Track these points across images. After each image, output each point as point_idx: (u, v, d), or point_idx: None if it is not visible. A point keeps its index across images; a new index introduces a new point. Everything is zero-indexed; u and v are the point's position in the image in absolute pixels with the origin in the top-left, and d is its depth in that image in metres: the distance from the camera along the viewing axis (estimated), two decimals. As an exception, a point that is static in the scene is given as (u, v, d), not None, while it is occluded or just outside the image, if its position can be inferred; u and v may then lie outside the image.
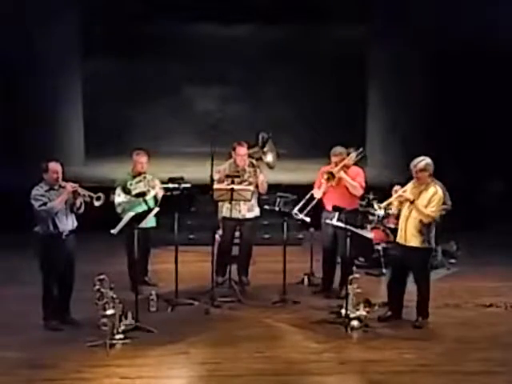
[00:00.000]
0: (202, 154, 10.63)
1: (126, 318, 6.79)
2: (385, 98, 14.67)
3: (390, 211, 7.54)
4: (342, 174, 7.91)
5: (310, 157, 13.31)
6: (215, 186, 8.06)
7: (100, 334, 6.43)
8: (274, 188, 8.50)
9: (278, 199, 8.16)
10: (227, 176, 8.08)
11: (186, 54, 15.94)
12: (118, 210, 8.00)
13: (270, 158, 8.58)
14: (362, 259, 9.25)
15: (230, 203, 7.92)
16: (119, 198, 8.03)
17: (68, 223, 6.94)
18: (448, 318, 7.37)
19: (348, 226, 7.34)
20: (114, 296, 6.60)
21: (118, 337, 6.55)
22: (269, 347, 6.57)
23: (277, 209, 8.17)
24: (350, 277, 7.18)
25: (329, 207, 7.91)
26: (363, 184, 8.04)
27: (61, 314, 7.01)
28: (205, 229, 9.13)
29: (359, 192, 8.03)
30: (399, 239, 7.15)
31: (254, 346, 6.57)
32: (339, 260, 8.14)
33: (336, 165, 7.96)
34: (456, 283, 8.70)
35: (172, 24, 15.65)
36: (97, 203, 6.90)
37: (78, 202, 6.94)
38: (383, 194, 9.33)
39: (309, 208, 7.98)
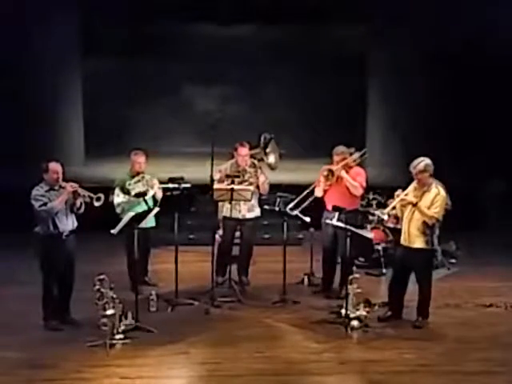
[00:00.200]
0: (202, 154, 10.61)
1: (126, 317, 6.79)
2: (385, 97, 14.67)
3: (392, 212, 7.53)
4: (343, 173, 7.91)
5: (310, 157, 13.32)
6: (215, 185, 8.06)
7: (100, 334, 6.43)
8: (274, 188, 8.50)
9: (278, 199, 8.16)
10: (227, 176, 8.07)
11: (185, 54, 15.93)
12: (118, 210, 8.01)
13: (272, 159, 8.57)
14: (362, 259, 9.26)
15: (230, 203, 7.93)
16: (118, 198, 8.04)
17: (68, 223, 6.94)
18: (448, 318, 7.37)
19: (348, 226, 7.34)
20: (114, 296, 6.60)
21: (117, 337, 6.56)
22: (269, 347, 6.57)
23: (277, 209, 8.17)
24: (350, 277, 7.18)
25: (329, 207, 7.91)
26: (364, 184, 8.04)
27: (61, 314, 7.01)
28: (205, 229, 9.13)
29: (359, 192, 8.02)
30: (403, 241, 7.13)
31: (254, 346, 6.57)
32: (339, 260, 8.14)
33: (337, 164, 7.96)
34: (456, 283, 8.71)
35: (172, 24, 15.64)
36: (97, 203, 6.90)
37: (78, 203, 6.94)
38: (383, 193, 9.43)
39: (304, 205, 7.98)
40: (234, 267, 8.41)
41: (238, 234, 8.50)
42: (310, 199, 8.03)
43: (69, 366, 6.08)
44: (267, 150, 8.57)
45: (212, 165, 8.35)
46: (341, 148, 8.07)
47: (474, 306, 7.81)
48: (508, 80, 11.73)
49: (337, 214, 7.63)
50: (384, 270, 9.00)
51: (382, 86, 14.73)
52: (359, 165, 8.18)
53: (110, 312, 6.51)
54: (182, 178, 8.25)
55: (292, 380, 5.97)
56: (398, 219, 7.99)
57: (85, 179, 9.82)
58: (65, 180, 6.94)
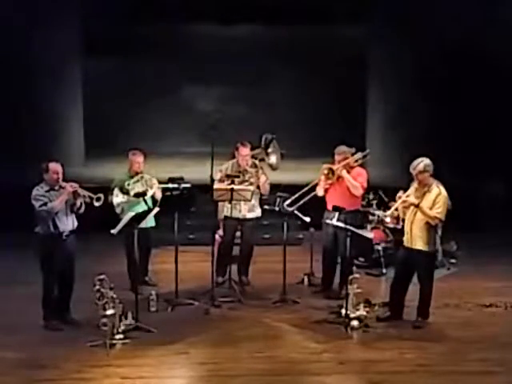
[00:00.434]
0: (202, 154, 10.62)
1: (126, 317, 6.79)
2: (385, 97, 14.67)
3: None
4: (344, 173, 7.91)
5: (309, 157, 13.31)
6: (215, 185, 8.06)
7: (100, 334, 6.43)
8: (273, 188, 8.50)
9: (278, 199, 8.16)
10: (227, 176, 8.07)
11: (186, 54, 15.94)
12: (117, 210, 8.01)
13: (273, 159, 8.57)
14: (362, 259, 9.26)
15: (230, 203, 7.93)
16: (117, 198, 8.04)
17: (68, 223, 6.95)
18: (448, 318, 7.37)
19: (348, 226, 7.34)
20: (114, 296, 6.61)
21: (117, 337, 6.56)
22: (269, 347, 6.57)
23: (277, 209, 8.17)
24: (350, 277, 7.18)
25: (330, 207, 7.91)
26: (364, 185, 8.03)
27: (61, 314, 7.02)
28: (205, 229, 9.12)
29: (359, 192, 8.02)
30: (405, 242, 7.11)
31: (254, 346, 6.57)
32: (339, 260, 8.14)
33: (338, 163, 7.96)
34: (456, 283, 8.71)
35: (172, 24, 15.64)
36: (97, 203, 6.90)
37: (78, 203, 6.94)
38: (384, 194, 9.43)
39: (302, 202, 7.99)
40: (234, 267, 8.41)
41: (238, 234, 8.50)
42: (309, 196, 8.02)
43: (69, 366, 6.08)
44: (269, 151, 8.57)
45: (212, 165, 8.36)
46: (342, 148, 8.07)
47: (474, 305, 7.81)
48: (508, 80, 11.73)
49: (337, 214, 7.63)
50: (384, 270, 9.00)
51: (382, 86, 14.74)
52: (361, 165, 8.18)
53: (109, 312, 6.51)
54: (181, 178, 8.25)
55: (292, 380, 5.97)
56: (397, 219, 7.99)
57: (85, 179, 9.82)
58: (65, 180, 6.95)
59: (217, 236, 8.42)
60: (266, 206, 8.36)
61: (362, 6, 14.29)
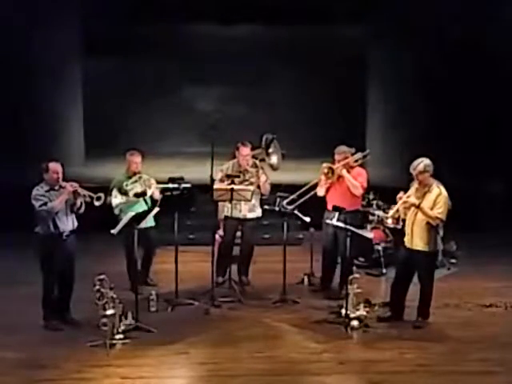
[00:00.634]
0: (202, 154, 10.64)
1: (126, 317, 6.79)
2: (385, 97, 14.67)
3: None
4: (344, 172, 7.91)
5: (309, 157, 13.30)
6: (215, 185, 8.06)
7: (100, 334, 6.43)
8: (273, 188, 8.50)
9: (278, 199, 8.16)
10: (227, 176, 8.07)
11: (186, 54, 15.94)
12: (116, 211, 7.99)
13: (274, 159, 8.57)
14: (362, 259, 9.26)
15: (230, 203, 7.92)
16: (116, 199, 8.02)
17: (68, 223, 6.94)
18: (448, 318, 7.37)
19: (348, 226, 7.34)
20: (114, 296, 6.61)
21: (117, 337, 6.56)
22: (269, 347, 6.57)
23: (277, 209, 8.17)
24: (350, 277, 7.18)
25: (330, 207, 7.90)
26: (365, 185, 8.04)
27: (61, 314, 7.02)
28: (205, 229, 9.12)
29: (359, 192, 8.02)
30: (406, 243, 7.11)
31: (254, 346, 6.57)
32: (339, 260, 8.14)
33: (338, 163, 7.96)
34: (456, 283, 8.70)
35: (172, 24, 15.63)
36: (97, 203, 6.90)
37: (78, 202, 6.94)
38: (384, 193, 9.43)
39: (301, 201, 7.98)
40: (234, 267, 8.41)
41: (238, 234, 8.50)
42: (309, 195, 8.02)
43: (69, 366, 6.09)
44: (269, 151, 8.57)
45: (212, 165, 8.36)
46: (342, 147, 8.08)
47: (474, 306, 7.81)
48: (508, 80, 11.72)
49: (337, 214, 7.63)
50: (384, 270, 9.00)
51: (382, 86, 14.74)
52: (360, 165, 8.18)
53: (109, 312, 6.51)
54: (181, 178, 8.25)
55: (292, 380, 5.98)
56: (397, 219, 7.98)
57: (85, 179, 9.81)
58: (65, 180, 6.95)
59: (217, 236, 8.42)
60: (266, 206, 8.36)
61: (362, 6, 14.27)
